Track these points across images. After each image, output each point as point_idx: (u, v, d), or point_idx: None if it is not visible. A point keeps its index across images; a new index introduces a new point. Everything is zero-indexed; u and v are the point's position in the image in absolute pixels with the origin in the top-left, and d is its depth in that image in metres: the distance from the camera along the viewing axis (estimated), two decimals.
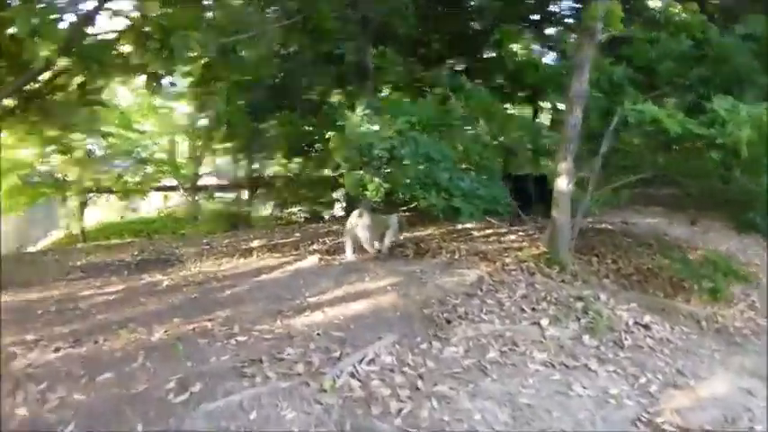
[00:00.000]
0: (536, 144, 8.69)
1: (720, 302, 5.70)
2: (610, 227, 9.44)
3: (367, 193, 6.49)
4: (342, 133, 6.57)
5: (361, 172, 6.55)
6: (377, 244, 7.28)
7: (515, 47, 12.37)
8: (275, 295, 6.01)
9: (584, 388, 4.20)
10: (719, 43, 6.96)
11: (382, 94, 13.89)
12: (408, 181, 6.46)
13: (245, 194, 18.43)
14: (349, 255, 7.35)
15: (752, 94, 6.39)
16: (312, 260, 7.52)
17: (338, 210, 16.29)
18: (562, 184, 6.47)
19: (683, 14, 8.93)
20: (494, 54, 13.41)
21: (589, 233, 8.55)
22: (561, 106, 10.03)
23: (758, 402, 4.23)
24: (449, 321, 5.10)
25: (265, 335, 4.82)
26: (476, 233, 8.83)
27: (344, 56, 11.07)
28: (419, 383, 4.00)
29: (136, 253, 9.89)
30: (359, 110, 6.47)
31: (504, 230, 8.91)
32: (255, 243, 10.22)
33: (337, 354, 4.36)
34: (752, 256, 8.66)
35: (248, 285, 6.55)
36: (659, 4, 10.76)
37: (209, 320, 5.19)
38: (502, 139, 8.44)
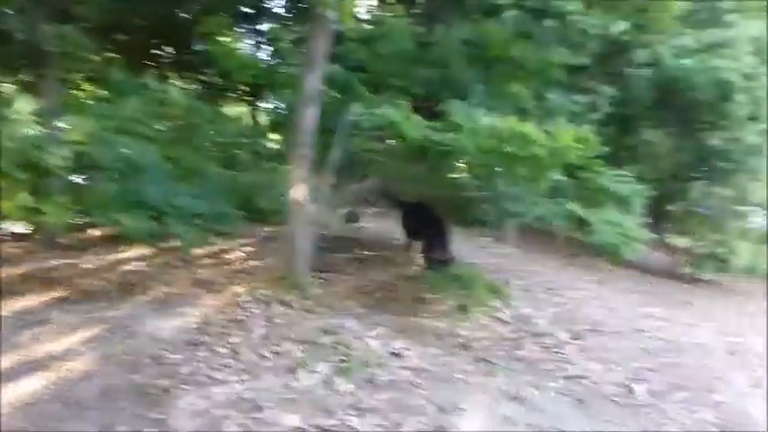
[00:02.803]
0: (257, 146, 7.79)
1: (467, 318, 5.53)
2: (340, 233, 9.01)
3: (45, 218, 4.78)
4: None
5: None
6: None
7: (225, 40, 11.28)
8: None
9: None
10: (441, 45, 6.85)
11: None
12: (106, 200, 4.94)
13: None
14: None
15: (475, 101, 6.37)
16: None
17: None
18: (297, 194, 5.62)
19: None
20: (204, 47, 12.09)
21: (320, 242, 7.95)
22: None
23: (520, 430, 3.96)
24: (168, 391, 3.85)
25: None
26: (198, 250, 7.51)
27: (11, 33, 8.57)
28: None
29: None
30: (21, 105, 4.64)
31: (228, 247, 7.77)
32: None
33: None
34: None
35: None
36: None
37: None
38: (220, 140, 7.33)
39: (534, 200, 5.25)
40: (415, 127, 5.14)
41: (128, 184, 5.06)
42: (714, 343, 6.90)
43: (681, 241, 14.33)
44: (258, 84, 11.17)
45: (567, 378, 5.17)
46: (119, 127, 5.69)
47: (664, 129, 10.58)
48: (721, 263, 10.64)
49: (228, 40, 11.59)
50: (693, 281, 11.25)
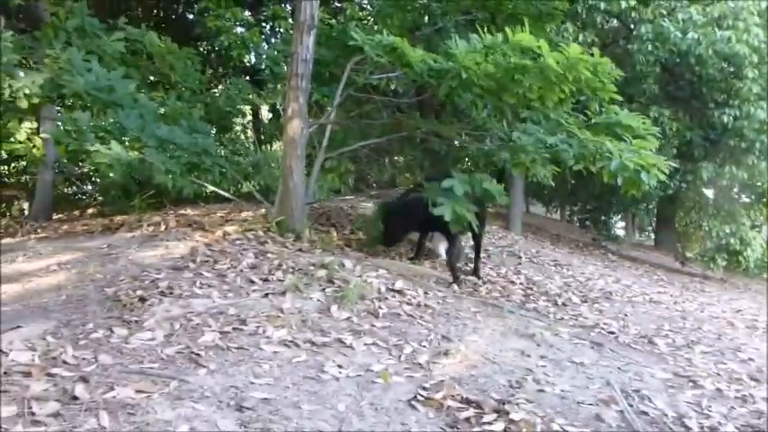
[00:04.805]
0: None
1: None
2: (341, 206, 8.64)
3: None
4: None
5: None
6: None
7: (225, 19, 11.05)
8: None
9: (341, 368, 3.01)
10: None
11: None
12: (84, 127, 4.63)
13: None
14: None
15: None
16: None
17: None
18: (294, 129, 5.25)
19: None
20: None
21: (320, 210, 7.57)
22: None
23: (535, 362, 3.55)
24: (144, 300, 3.47)
25: None
26: (191, 210, 7.13)
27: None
28: (79, 389, 2.34)
29: None
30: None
31: (227, 210, 7.38)
32: None
33: None
34: None
35: None
36: None
37: None
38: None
39: (545, 129, 4.87)
40: (419, 55, 4.82)
41: (105, 112, 4.79)
42: (733, 318, 6.48)
43: (690, 248, 14.01)
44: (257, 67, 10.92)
45: (583, 327, 4.78)
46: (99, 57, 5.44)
47: (671, 107, 10.16)
48: (734, 255, 10.18)
49: (229, 18, 11.27)
50: (704, 277, 10.82)
